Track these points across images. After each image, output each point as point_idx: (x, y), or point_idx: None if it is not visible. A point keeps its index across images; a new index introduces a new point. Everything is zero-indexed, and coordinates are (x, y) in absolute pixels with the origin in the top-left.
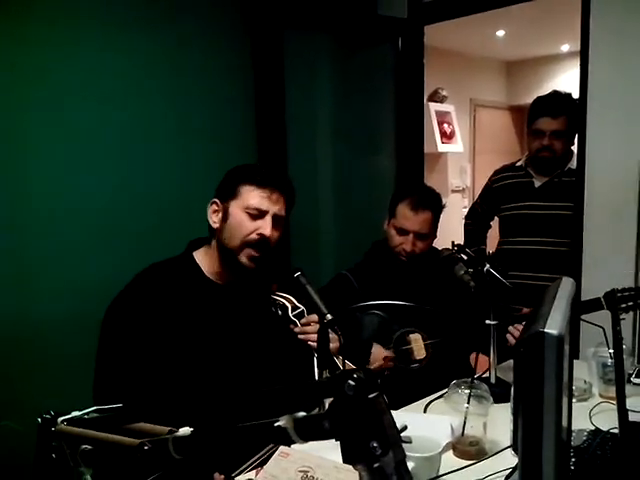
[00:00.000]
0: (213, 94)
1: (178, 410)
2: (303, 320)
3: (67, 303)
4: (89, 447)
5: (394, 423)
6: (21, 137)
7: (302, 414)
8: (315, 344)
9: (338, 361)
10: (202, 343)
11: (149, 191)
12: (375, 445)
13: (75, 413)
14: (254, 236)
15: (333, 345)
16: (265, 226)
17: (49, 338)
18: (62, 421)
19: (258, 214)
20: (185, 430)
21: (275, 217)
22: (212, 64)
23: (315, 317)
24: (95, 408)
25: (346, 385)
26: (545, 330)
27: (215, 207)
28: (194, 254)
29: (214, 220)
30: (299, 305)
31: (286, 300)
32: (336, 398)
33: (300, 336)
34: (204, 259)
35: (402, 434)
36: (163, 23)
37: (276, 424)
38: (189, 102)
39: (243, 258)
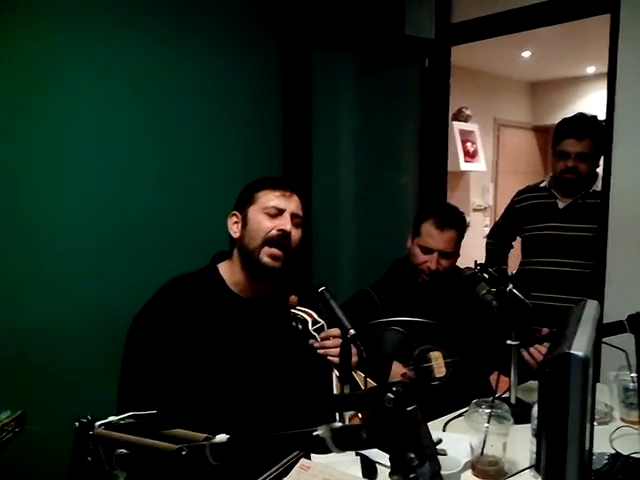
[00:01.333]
0: (241, 110)
1: (208, 417)
2: (322, 334)
3: (90, 312)
4: (125, 451)
5: (430, 435)
6: (42, 143)
7: (339, 424)
8: (334, 359)
9: (356, 376)
10: (225, 355)
11: (174, 202)
12: (412, 456)
13: (112, 418)
14: (274, 232)
15: (352, 360)
16: (285, 222)
17: (72, 346)
18: (99, 425)
19: (277, 212)
20: (222, 437)
21: (293, 215)
22: (242, 80)
23: (334, 331)
24: (131, 413)
25: (385, 398)
26: (571, 351)
27: (235, 219)
28: (218, 267)
29: (234, 230)
30: (319, 320)
31: (306, 314)
32: (375, 410)
33: (320, 351)
34: (227, 272)
35: (437, 447)
36: (193, 39)
37: (314, 433)
38: (218, 118)
39: (265, 258)
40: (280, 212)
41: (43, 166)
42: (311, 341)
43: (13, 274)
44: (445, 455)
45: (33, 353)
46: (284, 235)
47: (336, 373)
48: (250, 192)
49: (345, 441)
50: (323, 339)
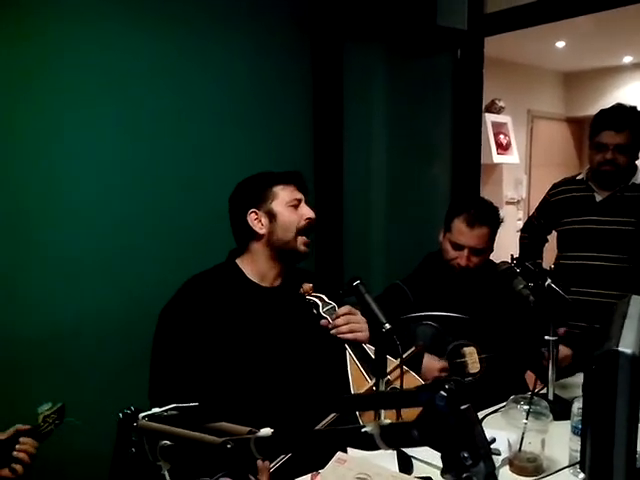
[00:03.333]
0: (272, 103)
1: (250, 410)
2: (334, 315)
3: (125, 306)
4: (168, 443)
5: (484, 434)
6: (56, 137)
7: (389, 421)
8: (346, 335)
9: (369, 350)
10: (255, 343)
11: (197, 199)
12: (466, 455)
13: (156, 410)
14: (303, 222)
15: (363, 334)
16: (308, 211)
17: (109, 340)
18: (143, 417)
19: (297, 204)
20: (266, 431)
21: (306, 201)
22: (273, 73)
23: (343, 310)
24: (174, 406)
25: (437, 396)
26: (619, 349)
27: (255, 215)
28: (237, 261)
29: (259, 226)
30: (330, 302)
31: (317, 299)
32: (426, 408)
33: (332, 331)
34: (247, 264)
35: (492, 446)
36: (222, 31)
37: (363, 430)
38: (247, 112)
39: (301, 246)
40: (299, 202)
41: (47, 163)
42: (323, 322)
43: (34, 271)
44: (499, 455)
45: (72, 348)
46: (312, 223)
47: (349, 352)
48: (263, 189)
49: (395, 438)
50: (334, 319)
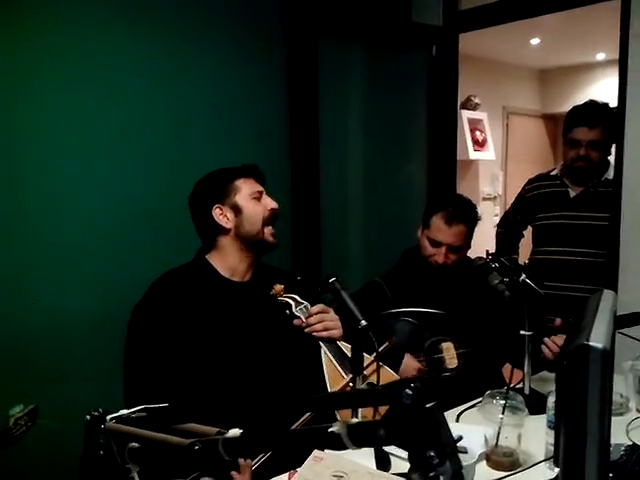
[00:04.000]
0: (246, 100)
1: (220, 410)
2: (307, 314)
3: (98, 307)
4: (137, 445)
5: (451, 433)
6: (42, 137)
7: (356, 420)
8: (321, 334)
9: (344, 347)
10: (227, 339)
11: (177, 196)
12: (432, 454)
13: (123, 411)
14: (267, 213)
15: (337, 332)
16: (270, 202)
17: (83, 340)
18: (111, 419)
19: (259, 196)
20: (235, 431)
21: (267, 192)
22: (247, 70)
23: (316, 308)
24: (142, 407)
25: (404, 394)
26: (590, 343)
27: (220, 211)
28: (207, 257)
29: (225, 221)
30: (302, 301)
31: (290, 299)
32: (392, 406)
33: (306, 329)
34: (217, 260)
35: (458, 444)
36: (195, 28)
37: (329, 429)
38: (222, 110)
39: (268, 237)
40: (261, 194)
41: (44, 161)
42: (296, 321)
43: (19, 271)
44: (466, 453)
45: (44, 348)
46: (275, 212)
47: (324, 349)
48: (225, 184)
49: (361, 438)
50: (307, 318)
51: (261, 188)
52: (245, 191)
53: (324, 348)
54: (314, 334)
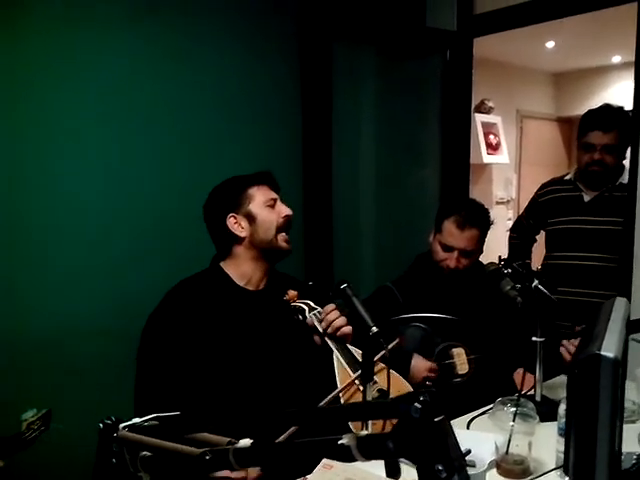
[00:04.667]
0: (260, 104)
1: (233, 420)
2: (322, 314)
3: (113, 311)
4: (149, 454)
5: (459, 447)
6: (50, 142)
7: (365, 432)
8: (345, 329)
9: (356, 353)
10: (242, 347)
11: (188, 201)
12: (440, 468)
13: (136, 420)
14: (281, 220)
15: (349, 328)
16: (284, 209)
17: (97, 345)
18: (123, 427)
19: (273, 203)
20: (245, 442)
21: (281, 199)
22: (261, 74)
23: (329, 307)
24: (155, 416)
25: (412, 407)
26: (601, 352)
27: (234, 220)
28: (221, 265)
29: (240, 230)
30: (315, 307)
31: (304, 304)
32: (401, 420)
33: (328, 330)
34: (232, 268)
35: (466, 457)
36: (210, 31)
37: (339, 441)
38: (236, 114)
39: (282, 243)
40: (275, 201)
41: (48, 165)
42: (309, 320)
43: (32, 275)
44: (474, 467)
45: (58, 353)
46: (289, 219)
47: (336, 355)
48: (239, 192)
49: (371, 450)
50: (325, 315)
51: (275, 195)
52: (259, 199)
53: (336, 353)
54: (331, 331)
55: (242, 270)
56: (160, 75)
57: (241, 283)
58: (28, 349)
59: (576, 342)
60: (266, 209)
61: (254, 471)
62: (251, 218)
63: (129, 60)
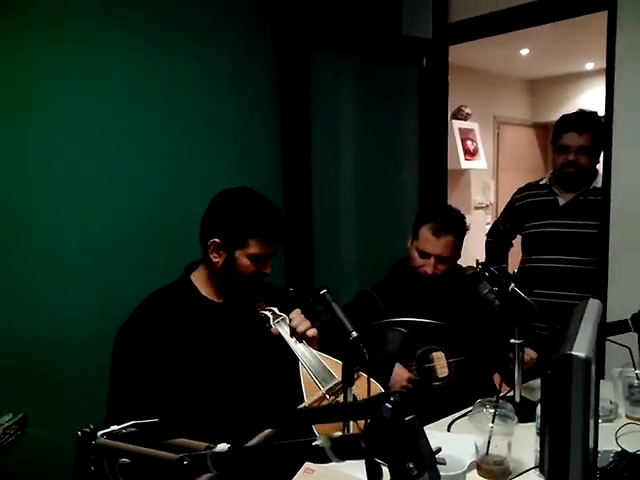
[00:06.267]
0: (238, 112)
1: (208, 425)
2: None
3: (93, 316)
4: (127, 460)
5: (429, 445)
6: (47, 149)
7: (339, 434)
8: (311, 332)
9: (321, 358)
10: (209, 359)
11: (175, 206)
12: (411, 466)
13: (114, 427)
14: (256, 273)
15: (311, 331)
16: (267, 266)
17: (75, 350)
18: (102, 435)
19: (262, 259)
20: (223, 446)
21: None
22: (239, 81)
23: (296, 313)
24: (133, 423)
25: (383, 407)
26: (573, 353)
27: (215, 245)
28: (191, 277)
29: (214, 257)
30: (280, 314)
31: (269, 312)
32: (373, 420)
33: (292, 323)
34: (201, 280)
35: (437, 455)
36: (188, 39)
37: (314, 443)
38: (215, 119)
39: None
40: (265, 258)
41: (43, 168)
42: (273, 330)
43: (14, 278)
44: (444, 465)
45: (35, 357)
46: (263, 277)
47: (301, 361)
48: (238, 231)
49: (344, 451)
50: (290, 321)
51: (270, 251)
52: (251, 251)
53: (301, 360)
54: (296, 337)
55: (209, 285)
56: (145, 85)
57: (208, 296)
58: (5, 353)
59: (528, 350)
60: (250, 260)
61: None
62: (230, 258)
63: (124, 69)
